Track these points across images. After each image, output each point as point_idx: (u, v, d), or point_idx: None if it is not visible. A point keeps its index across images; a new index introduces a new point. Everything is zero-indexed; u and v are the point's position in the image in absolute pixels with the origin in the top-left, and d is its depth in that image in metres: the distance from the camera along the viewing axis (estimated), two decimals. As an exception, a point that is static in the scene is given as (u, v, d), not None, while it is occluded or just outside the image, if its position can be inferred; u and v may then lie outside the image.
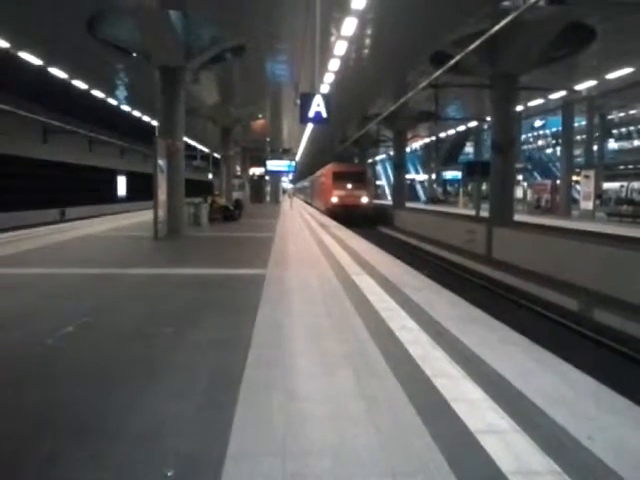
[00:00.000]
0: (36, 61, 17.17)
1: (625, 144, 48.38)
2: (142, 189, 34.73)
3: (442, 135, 41.94)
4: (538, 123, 48.97)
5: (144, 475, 2.47)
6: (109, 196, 39.44)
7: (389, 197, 48.89)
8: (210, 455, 2.58)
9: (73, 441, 2.77)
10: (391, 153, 41.53)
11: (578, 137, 35.57)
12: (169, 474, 2.42)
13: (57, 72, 18.91)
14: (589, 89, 22.74)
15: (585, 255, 11.21)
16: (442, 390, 3.40)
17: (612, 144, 47.87)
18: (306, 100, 11.05)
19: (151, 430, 2.91)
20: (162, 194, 13.28)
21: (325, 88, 17.26)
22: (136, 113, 29.32)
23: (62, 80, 19.96)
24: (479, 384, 3.50)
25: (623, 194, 32.18)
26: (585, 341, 8.38)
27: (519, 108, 24.85)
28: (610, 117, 37.89)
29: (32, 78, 20.54)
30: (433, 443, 2.68)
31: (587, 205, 25.78)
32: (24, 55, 16.54)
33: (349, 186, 30.45)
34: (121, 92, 24.37)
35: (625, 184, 33.23)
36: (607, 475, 2.41)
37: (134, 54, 15.52)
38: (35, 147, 29.35)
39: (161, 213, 13.19)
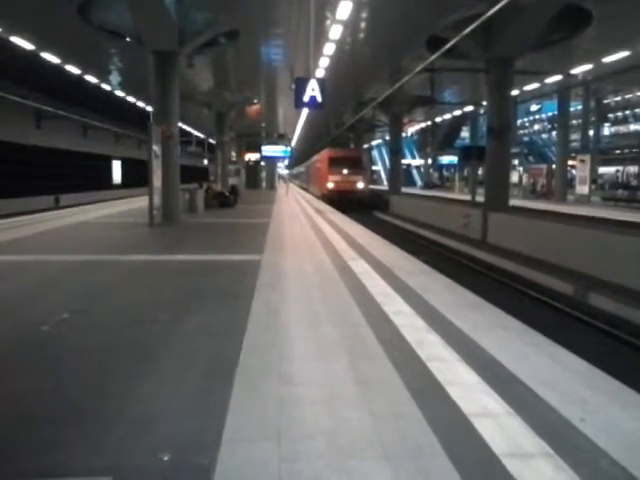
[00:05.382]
0: (28, 46, 16.97)
1: (621, 128, 48.30)
2: (137, 175, 34.53)
3: (438, 120, 41.81)
4: (534, 107, 48.83)
5: (141, 459, 2.48)
6: (104, 182, 39.19)
7: (385, 182, 48.77)
8: (206, 439, 2.59)
9: (70, 426, 2.79)
10: (387, 138, 41.39)
11: (574, 121, 35.49)
12: (165, 458, 2.44)
13: (49, 57, 18.71)
14: (585, 73, 22.64)
15: (577, 239, 11.27)
16: (437, 374, 3.42)
17: (608, 128, 47.77)
18: (301, 84, 11.00)
19: (147, 414, 2.92)
20: (157, 180, 13.19)
21: (320, 72, 17.12)
22: (130, 99, 29.08)
23: (55, 65, 19.77)
24: (473, 368, 3.52)
25: (619, 179, 32.19)
26: (577, 323, 8.43)
27: (515, 92, 24.73)
28: (606, 101, 37.78)
29: (24, 63, 20.32)
30: (427, 426, 2.70)
31: (583, 190, 25.81)
32: (16, 40, 16.34)
33: (345, 171, 30.36)
34: (115, 77, 24.12)
35: (621, 169, 33.22)
36: (599, 456, 2.44)
37: (127, 38, 15.32)
38: (28, 133, 29.09)
39: (156, 199, 13.12)
